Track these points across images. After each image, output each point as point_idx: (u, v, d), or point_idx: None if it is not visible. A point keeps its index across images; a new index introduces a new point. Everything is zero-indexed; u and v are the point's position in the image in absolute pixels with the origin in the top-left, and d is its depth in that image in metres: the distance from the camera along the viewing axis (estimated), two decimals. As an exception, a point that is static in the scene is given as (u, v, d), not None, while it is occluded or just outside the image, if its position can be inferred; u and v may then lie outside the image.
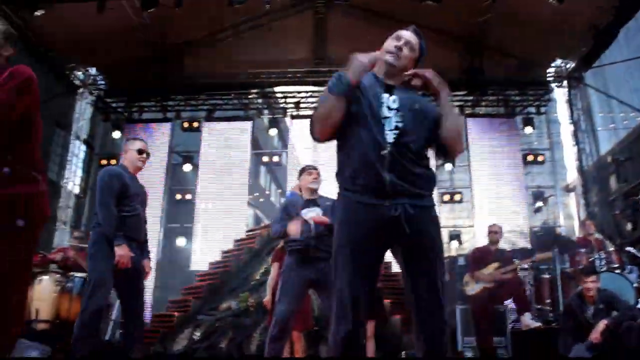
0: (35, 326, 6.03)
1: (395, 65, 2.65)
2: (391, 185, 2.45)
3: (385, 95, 2.61)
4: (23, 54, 10.65)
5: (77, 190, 12.76)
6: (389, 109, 2.56)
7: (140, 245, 4.38)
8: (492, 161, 11.67)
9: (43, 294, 6.23)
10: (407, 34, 2.72)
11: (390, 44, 2.70)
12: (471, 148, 11.76)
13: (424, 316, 2.49)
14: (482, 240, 9.08)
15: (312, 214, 4.59)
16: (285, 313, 4.40)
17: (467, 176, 12.06)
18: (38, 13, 8.44)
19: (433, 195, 2.67)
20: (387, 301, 7.73)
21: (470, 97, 12.20)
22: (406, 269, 2.56)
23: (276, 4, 10.68)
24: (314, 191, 4.75)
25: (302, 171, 4.93)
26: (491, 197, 11.43)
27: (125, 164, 4.47)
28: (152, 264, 11.11)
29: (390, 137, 2.49)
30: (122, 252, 4.02)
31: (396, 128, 2.52)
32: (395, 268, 10.03)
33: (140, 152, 4.45)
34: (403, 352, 7.10)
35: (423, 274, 2.51)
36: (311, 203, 4.68)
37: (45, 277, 6.37)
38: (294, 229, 4.47)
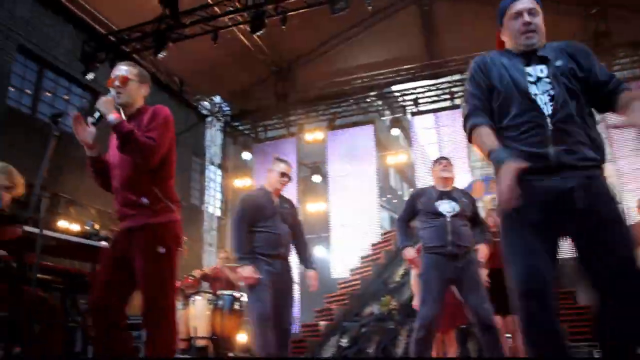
0: (194, 343, 6.48)
1: (534, 44, 2.35)
2: (556, 159, 2.18)
3: (529, 68, 2.33)
4: (156, 92, 11.59)
5: (218, 212, 13.59)
6: (538, 80, 2.29)
7: (282, 261, 4.41)
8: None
9: (198, 313, 6.68)
10: (523, 4, 2.37)
11: (514, 25, 2.38)
12: (609, 117, 10.79)
13: (618, 307, 2.10)
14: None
15: (446, 206, 4.43)
16: (429, 315, 4.29)
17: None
18: (162, 55, 9.12)
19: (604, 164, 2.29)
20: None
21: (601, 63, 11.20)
22: (586, 252, 2.20)
23: (379, 4, 10.61)
24: (447, 182, 4.55)
25: (434, 163, 4.77)
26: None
27: (265, 185, 4.56)
28: (295, 276, 11.58)
29: (547, 109, 2.22)
30: (245, 272, 4.16)
31: (552, 98, 2.24)
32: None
33: (282, 175, 4.47)
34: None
35: (609, 252, 2.13)
36: (445, 195, 4.50)
37: (199, 298, 6.82)
38: (409, 256, 4.42)
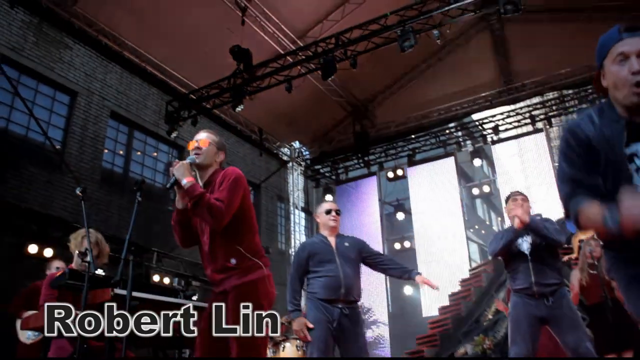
0: (286, 389, 6.49)
1: None
2: None
3: (636, 146, 1.76)
4: (238, 143, 12.05)
5: (304, 256, 13.75)
6: None
7: (347, 302, 4.31)
8: None
9: (289, 359, 6.73)
10: (633, 44, 1.75)
11: (620, 73, 1.76)
12: None
13: None
14: None
15: (525, 244, 4.28)
16: (519, 355, 4.10)
17: None
18: (239, 108, 9.47)
19: None
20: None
21: None
22: None
23: (449, 35, 10.55)
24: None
25: (507, 199, 4.59)
26: None
27: (321, 229, 4.57)
28: (384, 316, 11.40)
29: None
30: (295, 326, 4.15)
31: None
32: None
33: (328, 212, 4.51)
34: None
35: None
36: (524, 232, 4.34)
37: (288, 344, 6.87)
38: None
